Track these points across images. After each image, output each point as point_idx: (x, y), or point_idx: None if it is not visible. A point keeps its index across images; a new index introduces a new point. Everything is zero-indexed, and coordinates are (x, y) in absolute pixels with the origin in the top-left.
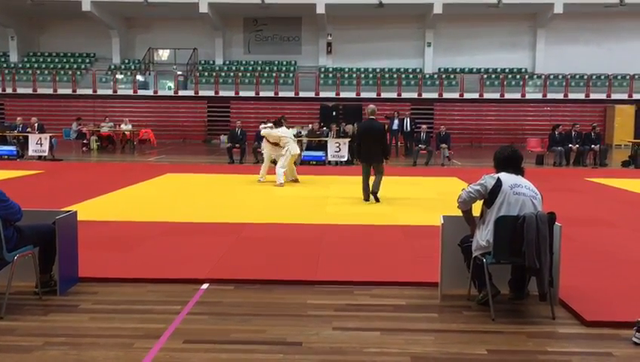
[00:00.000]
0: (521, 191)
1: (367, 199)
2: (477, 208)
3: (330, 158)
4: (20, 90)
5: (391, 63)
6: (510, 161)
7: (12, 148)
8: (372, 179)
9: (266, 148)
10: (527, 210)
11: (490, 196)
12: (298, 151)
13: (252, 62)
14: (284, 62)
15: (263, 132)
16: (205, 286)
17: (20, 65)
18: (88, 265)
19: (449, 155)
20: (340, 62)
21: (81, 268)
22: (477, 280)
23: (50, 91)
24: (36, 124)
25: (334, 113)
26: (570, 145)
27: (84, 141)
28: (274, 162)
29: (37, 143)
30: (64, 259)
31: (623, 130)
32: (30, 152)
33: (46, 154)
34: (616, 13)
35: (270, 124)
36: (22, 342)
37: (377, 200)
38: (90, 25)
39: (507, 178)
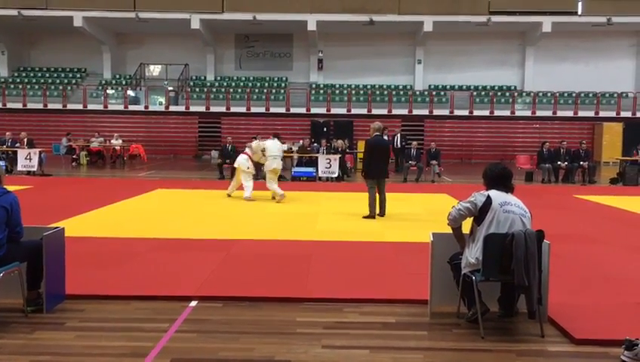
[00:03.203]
0: (511, 209)
1: (374, 216)
2: (467, 225)
3: (320, 174)
4: (9, 105)
5: (381, 80)
6: (500, 179)
7: (0, 163)
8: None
9: (251, 166)
10: (517, 227)
11: (480, 213)
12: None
13: (243, 78)
14: (276, 79)
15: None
16: (194, 303)
17: (10, 80)
18: (75, 282)
19: (439, 172)
20: (331, 78)
21: (68, 285)
22: (466, 297)
23: (40, 106)
24: (25, 139)
25: (325, 129)
26: (558, 163)
27: (74, 156)
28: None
29: (26, 158)
30: (51, 275)
31: (611, 147)
32: (19, 167)
33: (35, 169)
34: (603, 32)
35: (257, 141)
36: (7, 361)
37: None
38: (82, 40)
39: (497, 195)
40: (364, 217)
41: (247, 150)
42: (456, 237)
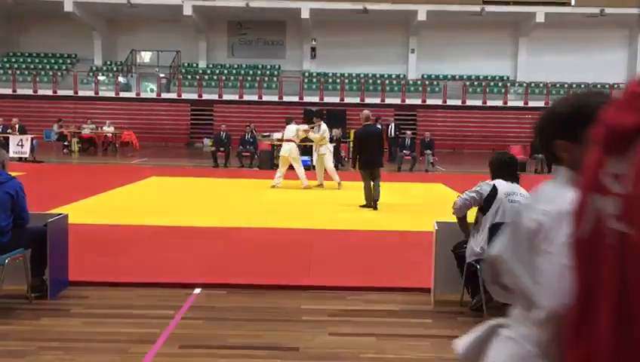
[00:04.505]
0: (517, 199)
1: (370, 205)
2: (472, 214)
3: (315, 163)
4: None
5: (375, 69)
6: (507, 168)
7: None
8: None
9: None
10: None
11: (486, 203)
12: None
13: (236, 66)
14: (268, 66)
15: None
16: (197, 290)
17: (0, 66)
18: (77, 268)
19: (433, 161)
20: (324, 67)
21: (70, 272)
22: (470, 286)
23: (30, 92)
24: (17, 125)
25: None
26: None
27: (65, 143)
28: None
29: (18, 144)
30: (55, 262)
31: None
32: (10, 153)
33: (27, 155)
34: (596, 23)
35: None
36: (15, 347)
37: (376, 207)
38: (72, 25)
39: (503, 185)
40: (362, 206)
41: (292, 137)
42: (461, 226)
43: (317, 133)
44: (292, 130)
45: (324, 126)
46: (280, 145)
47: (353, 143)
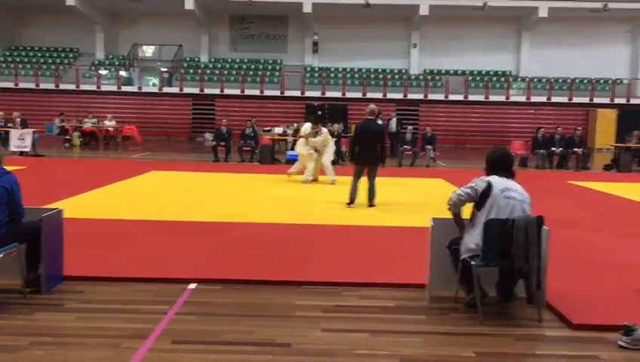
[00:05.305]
0: (512, 195)
1: (352, 203)
2: (467, 211)
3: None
4: (1, 84)
5: (377, 64)
6: (502, 164)
7: None
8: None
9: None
10: (517, 214)
11: (481, 199)
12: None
13: (238, 60)
14: (270, 61)
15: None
16: (193, 286)
17: (2, 59)
18: (72, 263)
19: (434, 156)
20: (326, 61)
21: (66, 267)
22: (465, 282)
23: (32, 86)
24: (18, 119)
25: (319, 112)
26: (553, 149)
27: (67, 137)
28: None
29: (19, 138)
30: (50, 257)
31: (605, 133)
32: (12, 148)
33: (28, 149)
34: (599, 18)
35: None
36: (7, 342)
37: (372, 205)
38: (74, 19)
39: (498, 181)
40: (347, 204)
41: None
42: (456, 222)
43: (317, 138)
44: (305, 127)
45: (324, 131)
46: (281, 140)
47: (353, 137)
